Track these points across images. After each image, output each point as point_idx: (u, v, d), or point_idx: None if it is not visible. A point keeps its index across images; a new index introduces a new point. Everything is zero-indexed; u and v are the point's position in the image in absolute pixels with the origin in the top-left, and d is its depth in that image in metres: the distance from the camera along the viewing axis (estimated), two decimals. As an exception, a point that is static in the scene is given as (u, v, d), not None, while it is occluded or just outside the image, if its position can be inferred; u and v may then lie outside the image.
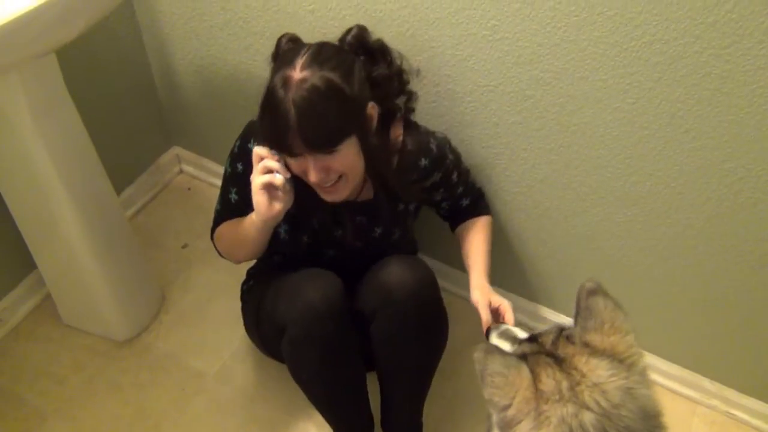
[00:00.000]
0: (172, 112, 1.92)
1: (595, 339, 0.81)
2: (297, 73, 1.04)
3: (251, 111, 1.71)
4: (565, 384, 0.75)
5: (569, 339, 0.83)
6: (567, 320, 1.65)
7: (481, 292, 1.25)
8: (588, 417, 0.72)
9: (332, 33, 1.39)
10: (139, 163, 1.94)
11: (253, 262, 1.49)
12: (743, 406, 1.55)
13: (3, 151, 1.30)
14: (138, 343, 1.65)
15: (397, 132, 1.24)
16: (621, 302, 1.47)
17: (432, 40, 1.30)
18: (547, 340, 0.84)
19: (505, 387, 0.75)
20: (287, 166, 1.14)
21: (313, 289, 1.20)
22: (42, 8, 0.99)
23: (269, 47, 1.51)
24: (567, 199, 1.41)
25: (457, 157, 1.34)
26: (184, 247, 1.88)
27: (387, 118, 1.23)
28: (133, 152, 1.90)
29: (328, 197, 1.17)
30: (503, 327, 1.06)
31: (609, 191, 1.35)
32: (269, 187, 1.13)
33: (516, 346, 0.90)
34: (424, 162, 1.25)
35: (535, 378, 0.76)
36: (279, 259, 1.42)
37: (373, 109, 1.13)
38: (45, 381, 1.58)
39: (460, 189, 1.37)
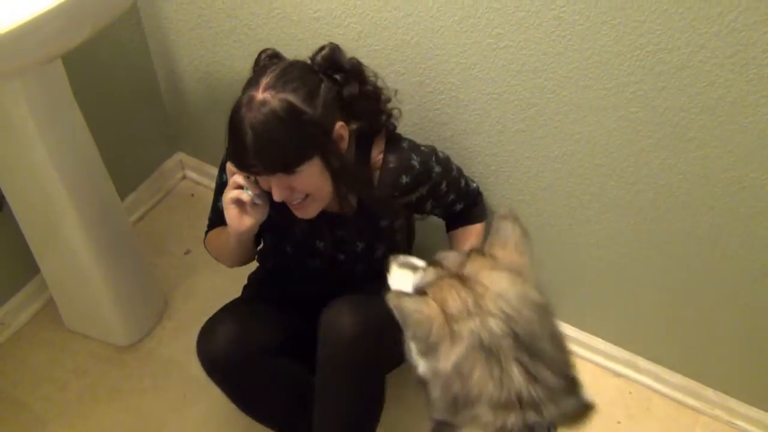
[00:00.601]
0: (177, 118, 1.92)
1: (498, 253, 0.90)
2: (259, 93, 1.04)
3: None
4: (470, 300, 0.82)
5: (480, 252, 0.91)
6: (572, 330, 1.65)
7: None
8: (494, 323, 0.79)
9: (337, 40, 1.40)
10: (143, 169, 1.94)
11: (255, 266, 1.48)
12: (746, 416, 1.54)
13: (8, 156, 1.31)
14: (140, 348, 1.65)
15: (379, 149, 1.22)
16: (623, 311, 1.48)
17: (436, 48, 1.30)
18: (453, 263, 0.89)
19: (421, 322, 0.81)
20: (257, 182, 1.15)
21: (213, 337, 1.23)
22: (49, 14, 1.00)
23: (274, 54, 1.53)
24: (570, 207, 1.41)
25: (446, 166, 1.30)
26: (187, 253, 1.88)
27: (366, 136, 1.21)
28: (137, 158, 1.90)
29: (298, 214, 1.17)
30: (401, 258, 1.05)
31: (612, 199, 1.35)
32: (238, 202, 1.16)
33: (418, 275, 0.94)
34: (405, 179, 1.22)
35: (443, 303, 0.82)
36: (270, 266, 1.43)
37: (342, 129, 1.12)
38: (46, 386, 1.58)
39: (452, 196, 1.34)
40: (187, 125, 1.92)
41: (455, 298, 0.83)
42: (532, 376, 0.78)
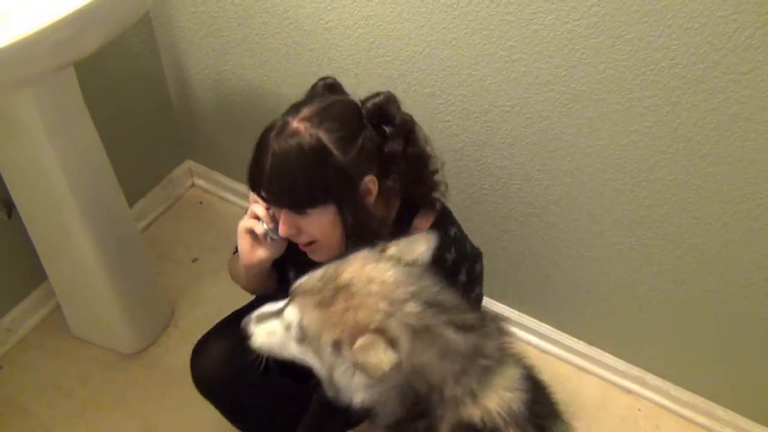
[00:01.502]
0: (187, 126, 1.92)
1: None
2: (294, 122, 0.98)
3: (265, 126, 1.72)
4: (376, 303, 0.82)
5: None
6: (582, 346, 1.64)
7: None
8: (410, 307, 0.82)
9: (348, 51, 1.41)
10: (152, 177, 1.95)
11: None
12: (757, 435, 1.53)
13: (19, 163, 1.31)
14: (146, 356, 1.65)
15: (425, 222, 1.12)
16: (633, 326, 1.46)
17: (448, 59, 1.30)
18: (319, 281, 0.89)
19: (368, 361, 0.79)
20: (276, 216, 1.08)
21: (205, 356, 1.21)
22: (61, 23, 1.00)
23: (285, 64, 1.54)
24: (581, 221, 1.40)
25: (473, 282, 1.17)
26: (195, 260, 1.87)
27: (412, 205, 1.13)
28: (146, 165, 1.90)
29: (310, 256, 1.09)
30: (252, 315, 0.96)
31: (624, 214, 1.34)
32: (252, 234, 1.10)
33: (288, 315, 0.90)
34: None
35: (357, 324, 0.82)
36: None
37: (372, 183, 1.03)
38: (52, 393, 1.57)
39: None
40: (196, 133, 1.92)
41: (368, 309, 0.82)
42: (461, 327, 0.82)
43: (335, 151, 0.97)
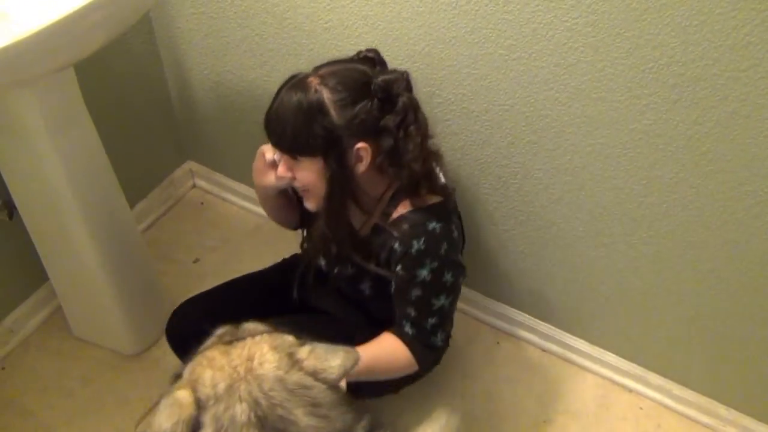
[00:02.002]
0: (187, 127, 1.93)
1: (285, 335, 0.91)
2: (311, 76, 1.08)
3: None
4: (222, 384, 0.82)
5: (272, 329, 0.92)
6: (583, 345, 1.64)
7: None
8: (240, 409, 0.80)
9: (348, 51, 1.40)
10: (152, 177, 1.95)
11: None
12: (760, 434, 1.52)
13: (19, 164, 1.31)
14: (147, 357, 1.65)
15: (405, 207, 1.15)
16: (634, 325, 1.46)
17: (448, 58, 1.30)
18: (231, 333, 0.91)
19: (171, 417, 0.80)
20: None
21: (180, 314, 1.38)
22: (62, 23, 1.00)
23: (285, 64, 1.54)
24: (582, 220, 1.40)
25: (437, 287, 1.14)
26: (196, 261, 1.88)
27: (409, 189, 1.14)
28: (147, 166, 1.91)
29: (304, 201, 1.20)
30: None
31: (624, 213, 1.34)
32: (263, 157, 1.21)
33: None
34: (395, 245, 1.13)
35: (195, 385, 0.82)
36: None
37: (364, 151, 1.08)
38: (53, 394, 1.57)
39: (411, 312, 1.16)
40: (197, 134, 1.93)
41: (210, 379, 0.83)
42: None
43: (330, 111, 1.05)
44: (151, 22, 1.69)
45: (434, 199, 1.15)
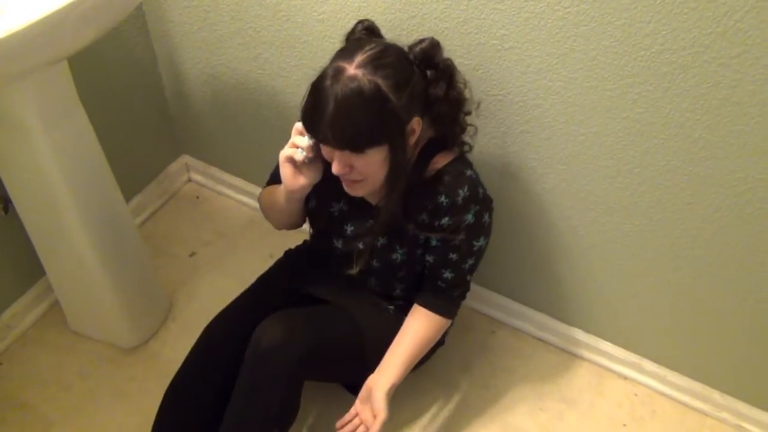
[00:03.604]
0: (182, 121, 1.93)
1: None
2: (351, 68, 1.04)
3: (260, 120, 1.73)
4: None
5: None
6: (578, 333, 1.65)
7: (373, 395, 1.24)
8: None
9: (340, 42, 1.41)
10: (148, 172, 1.95)
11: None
12: (753, 419, 1.54)
13: (14, 158, 1.31)
14: (145, 350, 1.66)
15: (444, 160, 1.22)
16: (628, 313, 1.47)
17: (441, 49, 1.30)
18: None
19: None
20: (318, 147, 1.16)
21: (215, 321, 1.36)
22: (54, 17, 1.00)
23: (279, 57, 1.54)
24: (576, 209, 1.41)
25: (480, 227, 1.25)
26: (192, 255, 1.88)
27: (436, 144, 1.22)
28: (142, 160, 1.91)
29: (348, 189, 1.18)
30: None
31: (617, 201, 1.35)
32: (292, 161, 1.18)
33: None
34: (441, 199, 1.20)
35: None
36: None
37: (417, 124, 1.13)
38: (52, 388, 1.58)
39: (453, 256, 1.26)
40: (192, 128, 1.93)
41: None
42: None
43: (391, 96, 1.05)
44: (145, 16, 1.69)
45: (455, 151, 1.25)
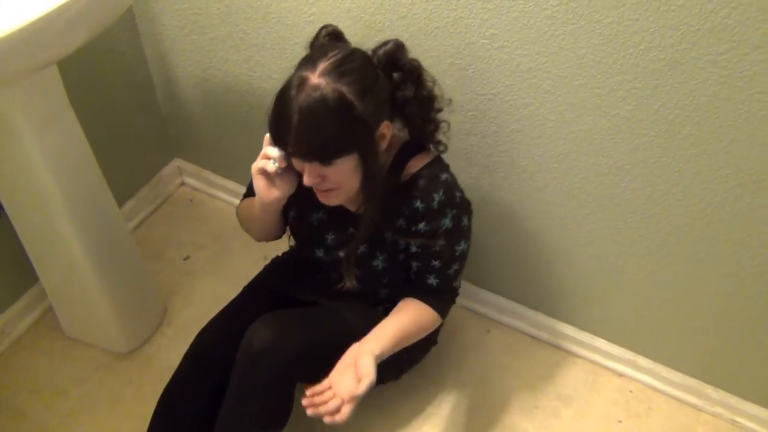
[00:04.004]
0: (174, 125, 1.93)
1: None
2: (314, 77, 1.02)
3: (252, 122, 1.73)
4: None
5: None
6: (573, 331, 1.65)
7: (358, 357, 1.15)
8: None
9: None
10: (140, 176, 1.95)
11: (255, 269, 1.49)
12: (747, 413, 1.54)
13: (5, 164, 1.31)
14: (140, 355, 1.65)
15: (419, 163, 1.19)
16: (622, 310, 1.47)
17: (431, 49, 1.31)
18: None
19: None
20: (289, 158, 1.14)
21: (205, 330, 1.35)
22: (43, 20, 1.00)
23: (269, 59, 1.54)
24: (567, 206, 1.41)
25: (459, 232, 1.23)
26: (186, 259, 1.88)
27: (412, 146, 1.21)
28: (134, 165, 1.91)
29: (322, 199, 1.16)
30: None
31: (609, 198, 1.35)
32: (265, 173, 1.16)
33: None
34: (417, 204, 1.18)
35: None
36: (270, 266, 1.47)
37: (387, 128, 1.11)
38: (47, 394, 1.57)
39: (436, 263, 1.24)
40: (184, 131, 1.93)
41: None
42: None
43: (356, 103, 1.02)
44: (135, 20, 1.69)
45: (432, 153, 1.22)
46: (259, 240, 1.39)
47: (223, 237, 1.94)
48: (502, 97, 1.30)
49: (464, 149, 1.43)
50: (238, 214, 1.40)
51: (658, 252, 1.38)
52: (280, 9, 1.43)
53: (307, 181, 1.10)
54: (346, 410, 1.08)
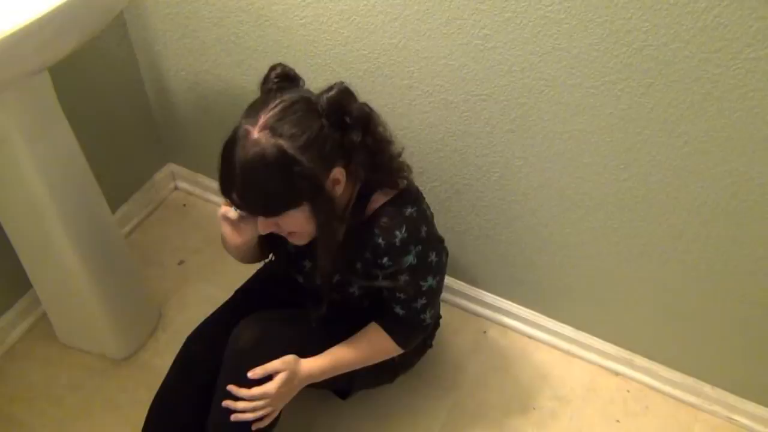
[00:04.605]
0: (167, 129, 1.92)
1: None
2: (255, 131, 1.00)
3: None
4: None
5: None
6: (569, 330, 1.65)
7: (291, 368, 1.19)
8: None
9: (324, 46, 1.41)
10: (134, 181, 1.94)
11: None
12: (744, 411, 1.54)
13: (-3, 171, 1.30)
14: (135, 360, 1.64)
15: (383, 198, 1.16)
16: (619, 309, 1.47)
17: (424, 50, 1.30)
18: None
19: None
20: None
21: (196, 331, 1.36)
22: (33, 25, 0.99)
23: (262, 62, 1.54)
24: (563, 206, 1.41)
25: (423, 269, 1.19)
26: (181, 263, 1.87)
27: (370, 185, 1.16)
28: (127, 170, 1.90)
29: (290, 240, 1.16)
30: None
31: (604, 197, 1.35)
32: (228, 219, 1.16)
33: None
34: (378, 240, 1.14)
35: None
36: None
37: (340, 174, 1.07)
38: (42, 401, 1.56)
39: (401, 295, 1.23)
40: (177, 135, 1.92)
41: None
42: None
43: (299, 157, 1.00)
44: (126, 25, 1.68)
45: (400, 185, 1.17)
46: (243, 262, 1.36)
47: (218, 241, 1.90)
48: (496, 97, 1.30)
49: (458, 150, 1.43)
50: (223, 243, 1.35)
51: (654, 251, 1.38)
52: (272, 12, 1.43)
53: (261, 229, 1.11)
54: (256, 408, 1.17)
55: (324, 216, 1.08)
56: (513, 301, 1.70)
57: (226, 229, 1.19)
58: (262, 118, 1.00)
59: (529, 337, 1.72)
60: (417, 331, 1.30)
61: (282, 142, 0.99)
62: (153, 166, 1.99)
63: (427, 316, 1.27)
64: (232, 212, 1.14)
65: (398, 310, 1.25)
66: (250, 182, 1.01)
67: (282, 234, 1.14)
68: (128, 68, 1.76)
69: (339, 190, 1.10)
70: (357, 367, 1.28)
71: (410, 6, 1.26)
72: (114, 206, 1.80)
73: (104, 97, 1.72)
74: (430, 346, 1.51)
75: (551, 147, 1.32)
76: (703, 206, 1.26)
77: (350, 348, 1.26)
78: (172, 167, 2.03)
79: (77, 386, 1.59)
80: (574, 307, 1.62)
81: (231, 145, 1.02)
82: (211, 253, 1.90)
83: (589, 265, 1.50)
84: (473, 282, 1.71)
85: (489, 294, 1.72)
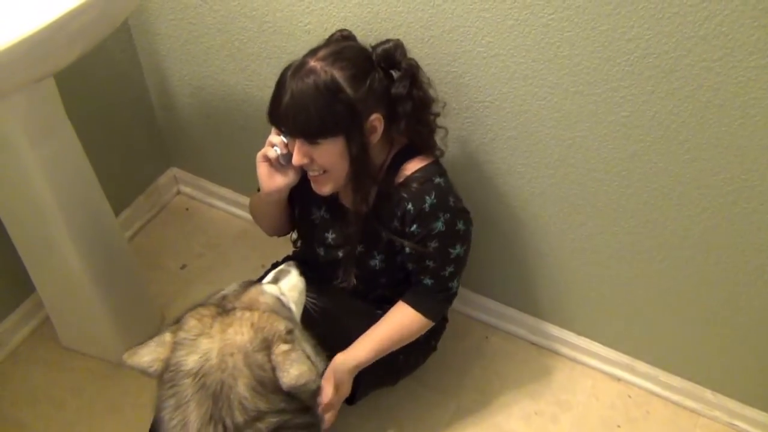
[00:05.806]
0: (170, 134, 1.93)
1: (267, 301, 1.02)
2: (311, 61, 1.09)
3: (249, 130, 1.73)
4: (194, 333, 0.90)
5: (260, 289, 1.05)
6: (570, 336, 1.66)
7: (336, 370, 1.24)
8: (191, 358, 0.86)
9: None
10: (137, 185, 1.95)
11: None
12: (745, 416, 1.55)
13: (2, 175, 1.31)
14: (138, 364, 1.65)
15: (414, 166, 1.22)
16: (620, 315, 1.47)
17: (427, 57, 1.31)
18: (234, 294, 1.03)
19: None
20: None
21: None
22: (40, 34, 1.00)
23: (266, 68, 1.55)
24: (565, 212, 1.42)
25: (451, 236, 1.24)
26: (183, 267, 1.88)
27: (410, 150, 1.24)
28: (131, 174, 1.90)
29: (314, 187, 1.21)
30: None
31: (606, 204, 1.36)
32: (268, 160, 1.22)
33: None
34: (408, 206, 1.20)
35: (179, 329, 0.92)
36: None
37: (378, 121, 1.14)
38: (44, 405, 1.57)
39: (430, 263, 1.26)
40: (180, 140, 1.93)
41: (190, 328, 0.91)
42: (210, 418, 0.85)
43: (346, 88, 1.09)
44: (131, 30, 1.69)
45: (430, 158, 1.25)
46: (269, 233, 1.44)
47: (220, 245, 1.93)
48: (499, 104, 1.31)
49: (461, 157, 1.43)
50: (250, 206, 1.45)
51: (656, 257, 1.39)
52: (276, 18, 1.44)
53: (295, 160, 1.16)
54: (328, 419, 1.19)
55: (358, 156, 1.14)
56: (515, 308, 1.70)
57: (263, 171, 1.23)
58: (321, 52, 1.11)
59: (531, 342, 1.73)
60: (445, 301, 1.34)
61: (334, 71, 1.08)
62: (156, 170, 2.00)
63: (455, 284, 1.31)
64: (273, 152, 1.20)
65: (427, 281, 1.28)
66: (297, 101, 1.08)
67: (312, 173, 1.18)
68: (132, 73, 1.76)
69: (375, 138, 1.16)
70: (396, 347, 1.31)
71: (414, 13, 1.27)
72: (117, 210, 1.80)
73: (108, 102, 1.73)
74: (434, 348, 1.52)
75: (554, 154, 1.33)
76: (704, 213, 1.27)
77: (386, 327, 1.30)
78: (175, 171, 2.03)
79: (80, 390, 1.60)
80: (575, 312, 1.62)
81: (285, 72, 1.12)
82: (213, 258, 1.90)
83: (590, 272, 1.50)
84: (475, 288, 1.72)
85: (491, 300, 1.72)
